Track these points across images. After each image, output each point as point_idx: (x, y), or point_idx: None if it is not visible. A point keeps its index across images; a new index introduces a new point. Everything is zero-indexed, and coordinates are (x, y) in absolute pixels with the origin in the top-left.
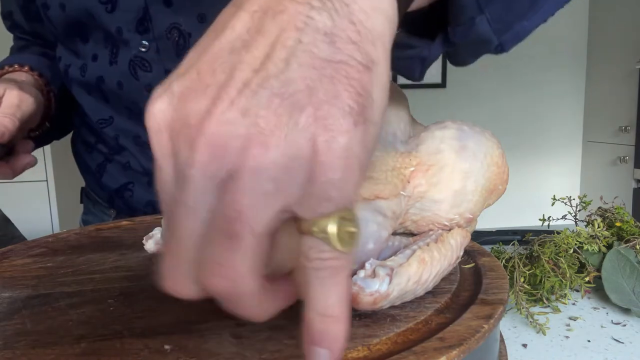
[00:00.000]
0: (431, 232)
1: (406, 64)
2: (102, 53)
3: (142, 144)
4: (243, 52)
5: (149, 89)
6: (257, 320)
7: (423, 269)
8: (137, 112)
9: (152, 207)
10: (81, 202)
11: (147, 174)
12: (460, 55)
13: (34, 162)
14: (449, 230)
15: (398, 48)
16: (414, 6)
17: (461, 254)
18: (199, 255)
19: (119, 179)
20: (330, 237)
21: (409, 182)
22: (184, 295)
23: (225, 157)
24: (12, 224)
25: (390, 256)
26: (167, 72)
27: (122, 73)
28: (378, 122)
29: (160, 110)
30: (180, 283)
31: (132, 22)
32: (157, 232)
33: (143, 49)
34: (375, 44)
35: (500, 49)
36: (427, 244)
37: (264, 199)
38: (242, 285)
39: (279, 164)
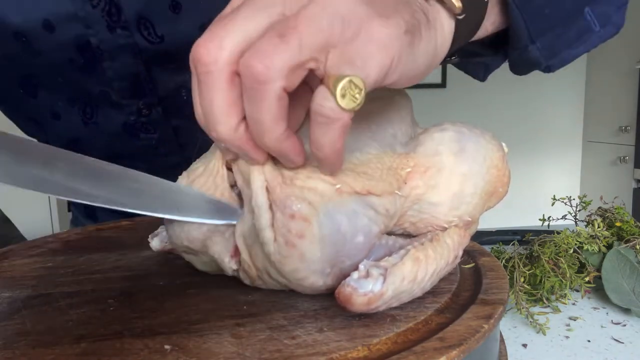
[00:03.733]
0: (428, 233)
1: (474, 67)
2: (67, 111)
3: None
4: None
5: (155, 149)
6: (254, 149)
7: (418, 268)
8: (138, 160)
9: None
10: (69, 210)
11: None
12: (516, 68)
13: None
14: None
15: (470, 55)
16: (480, 34)
17: (460, 253)
18: (246, 39)
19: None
20: (336, 91)
21: (405, 182)
22: (206, 57)
23: None
24: (12, 224)
25: (386, 256)
26: (175, 129)
27: (111, 134)
28: (419, 57)
29: None
30: (214, 47)
31: (127, 90)
32: (162, 230)
33: (144, 114)
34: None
35: (548, 69)
36: (422, 243)
37: (317, 28)
38: (270, 78)
39: (337, 15)
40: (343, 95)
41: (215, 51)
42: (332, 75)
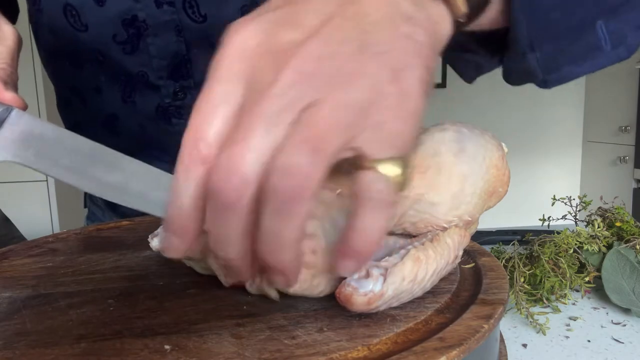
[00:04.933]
0: (428, 233)
1: (465, 65)
2: (108, 87)
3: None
4: (336, 5)
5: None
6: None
7: (418, 268)
8: (166, 153)
9: None
10: (85, 206)
11: None
12: (510, 76)
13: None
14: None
15: (462, 49)
16: (472, 27)
17: (460, 253)
18: (265, 156)
19: None
20: (390, 178)
21: None
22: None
23: (310, 86)
24: (12, 224)
25: (386, 256)
26: None
27: (145, 116)
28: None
29: (247, 36)
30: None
31: (165, 69)
32: (162, 231)
33: (179, 98)
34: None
35: (544, 84)
36: (422, 243)
37: (341, 127)
38: (304, 191)
39: (358, 104)
40: (395, 180)
41: (241, 186)
42: (378, 160)
